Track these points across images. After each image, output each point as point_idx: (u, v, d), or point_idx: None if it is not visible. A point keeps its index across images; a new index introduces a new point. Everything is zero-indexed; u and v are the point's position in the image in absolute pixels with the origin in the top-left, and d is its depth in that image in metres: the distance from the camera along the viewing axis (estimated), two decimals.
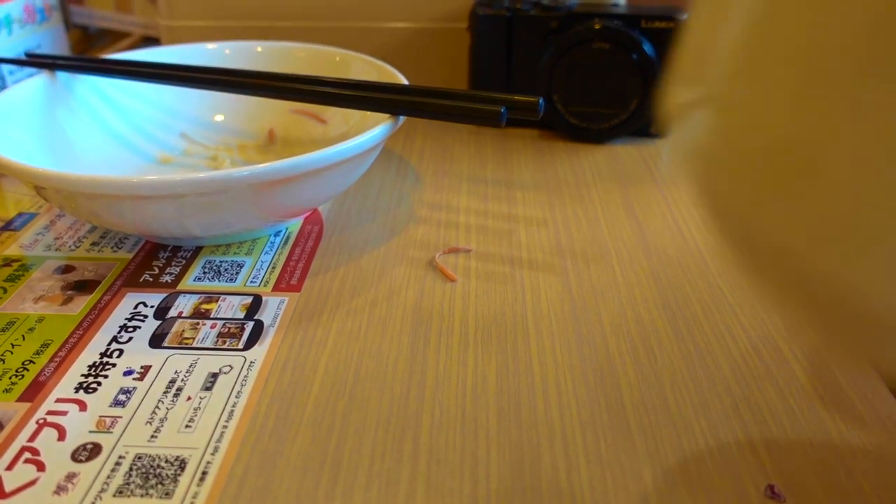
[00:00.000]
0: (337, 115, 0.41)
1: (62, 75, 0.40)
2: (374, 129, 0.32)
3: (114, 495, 0.21)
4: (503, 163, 0.43)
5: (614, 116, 0.44)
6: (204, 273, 0.32)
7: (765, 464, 0.22)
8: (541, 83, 0.44)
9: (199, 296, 0.31)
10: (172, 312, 0.30)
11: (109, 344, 0.28)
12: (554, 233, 0.35)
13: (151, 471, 0.22)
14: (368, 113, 0.36)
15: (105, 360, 0.27)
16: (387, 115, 0.33)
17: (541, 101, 0.32)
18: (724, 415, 0.24)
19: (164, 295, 0.31)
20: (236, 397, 0.25)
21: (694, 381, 0.26)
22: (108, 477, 0.22)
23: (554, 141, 0.46)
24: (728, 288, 0.31)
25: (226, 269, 0.32)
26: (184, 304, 0.30)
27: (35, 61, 0.42)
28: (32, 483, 0.22)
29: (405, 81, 0.37)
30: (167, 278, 0.32)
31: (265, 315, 0.29)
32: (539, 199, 0.38)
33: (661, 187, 0.40)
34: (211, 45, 0.44)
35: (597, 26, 0.42)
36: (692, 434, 0.24)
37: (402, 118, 0.34)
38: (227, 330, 0.28)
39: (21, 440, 0.23)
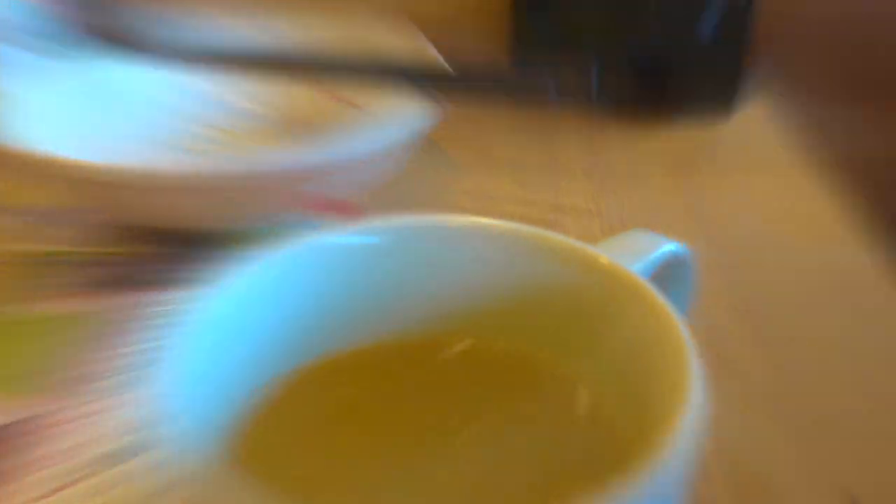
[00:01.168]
0: (372, 101, 0.40)
1: (88, 66, 0.40)
2: (410, 116, 0.31)
3: None
4: (547, 146, 0.41)
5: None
6: None
7: (848, 475, 0.21)
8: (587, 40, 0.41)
9: None
10: None
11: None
12: (607, 225, 0.33)
13: None
14: (404, 97, 0.35)
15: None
16: (423, 102, 0.32)
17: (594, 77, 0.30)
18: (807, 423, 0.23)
19: None
20: None
21: (775, 386, 0.24)
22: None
23: (604, 121, 0.42)
24: None
25: None
26: None
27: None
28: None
29: (442, 62, 0.36)
30: None
31: None
32: (587, 188, 0.36)
33: (726, 175, 0.37)
34: (238, 28, 0.43)
35: None
36: (774, 442, 0.22)
37: (439, 105, 0.33)
38: None
39: (61, 436, 0.23)
